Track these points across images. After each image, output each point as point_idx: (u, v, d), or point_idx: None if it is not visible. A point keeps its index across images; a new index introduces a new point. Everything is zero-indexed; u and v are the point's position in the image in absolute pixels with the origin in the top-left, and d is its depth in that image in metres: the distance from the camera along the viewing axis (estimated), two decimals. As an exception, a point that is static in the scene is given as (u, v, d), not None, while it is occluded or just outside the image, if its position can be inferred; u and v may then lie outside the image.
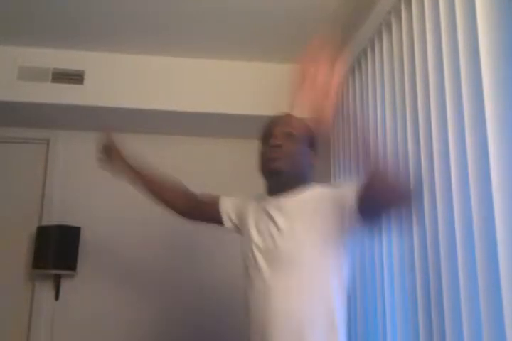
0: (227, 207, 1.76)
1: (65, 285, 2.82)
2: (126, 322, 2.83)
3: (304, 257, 1.44)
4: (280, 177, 1.54)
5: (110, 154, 1.93)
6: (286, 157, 1.52)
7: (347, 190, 1.42)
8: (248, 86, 2.82)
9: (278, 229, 1.49)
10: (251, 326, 1.51)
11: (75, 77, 2.72)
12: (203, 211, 1.82)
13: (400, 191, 1.25)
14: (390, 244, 1.85)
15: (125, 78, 2.77)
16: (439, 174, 1.51)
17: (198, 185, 2.87)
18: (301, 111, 1.30)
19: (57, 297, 2.80)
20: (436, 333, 1.47)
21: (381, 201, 1.29)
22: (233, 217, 1.74)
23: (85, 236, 2.84)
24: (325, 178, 2.75)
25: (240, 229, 1.70)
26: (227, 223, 1.75)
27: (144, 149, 3.09)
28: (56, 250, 2.72)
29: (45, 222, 2.86)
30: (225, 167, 3.07)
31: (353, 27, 2.34)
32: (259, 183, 1.65)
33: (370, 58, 2.16)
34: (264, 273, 1.48)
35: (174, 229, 2.98)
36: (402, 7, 1.83)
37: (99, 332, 2.79)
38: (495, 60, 1.29)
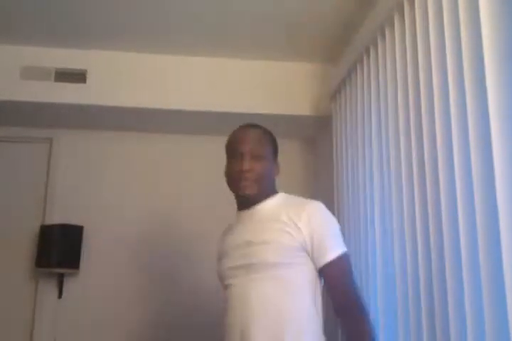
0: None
1: (68, 283, 2.83)
2: (129, 321, 2.83)
3: (278, 260, 1.50)
4: (250, 198, 1.61)
5: None
6: (256, 180, 1.58)
7: (321, 247, 1.51)
8: (256, 84, 2.82)
9: (251, 237, 1.55)
10: (228, 329, 1.54)
11: (78, 76, 2.72)
12: None
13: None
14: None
15: (128, 77, 2.77)
16: (443, 173, 1.51)
17: (209, 185, 2.91)
18: None
19: (60, 295, 2.81)
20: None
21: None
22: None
23: (88, 235, 2.84)
24: (328, 191, 2.75)
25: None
26: None
27: (146, 148, 3.11)
28: (59, 249, 2.72)
29: (48, 221, 2.87)
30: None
31: (357, 24, 2.34)
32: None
33: (372, 56, 2.16)
34: (241, 279, 1.53)
35: (176, 229, 2.99)
36: (405, 4, 1.83)
37: (101, 331, 2.79)
38: (498, 57, 1.28)
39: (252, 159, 1.58)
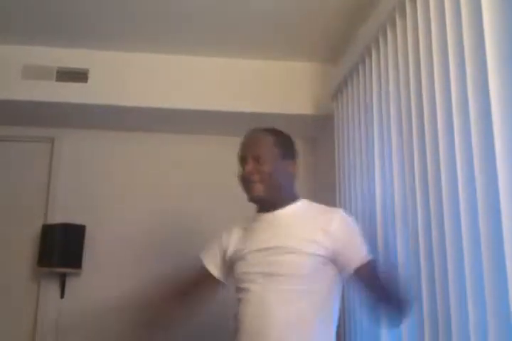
0: (211, 259, 1.72)
1: (70, 283, 2.83)
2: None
3: (301, 267, 1.49)
4: (263, 201, 1.61)
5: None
6: (262, 182, 1.57)
7: (351, 248, 1.53)
8: (258, 84, 2.82)
9: (274, 243, 1.53)
10: (241, 336, 1.52)
11: (80, 76, 2.72)
12: (201, 285, 1.75)
13: (399, 306, 1.46)
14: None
15: (129, 76, 2.77)
16: (445, 172, 1.51)
17: (212, 184, 2.91)
18: None
19: (62, 295, 2.81)
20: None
21: (380, 311, 1.49)
22: (218, 260, 1.70)
23: (90, 234, 2.84)
24: (331, 187, 2.75)
25: (229, 264, 1.67)
26: (214, 272, 1.70)
27: (148, 148, 3.11)
28: (61, 248, 2.73)
29: (50, 221, 2.87)
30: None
31: (358, 23, 2.34)
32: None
33: (374, 55, 2.15)
34: (261, 285, 1.51)
35: (179, 229, 2.98)
36: (407, 3, 1.82)
37: (104, 330, 2.79)
38: (501, 56, 1.28)
39: (255, 162, 1.58)
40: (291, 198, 1.63)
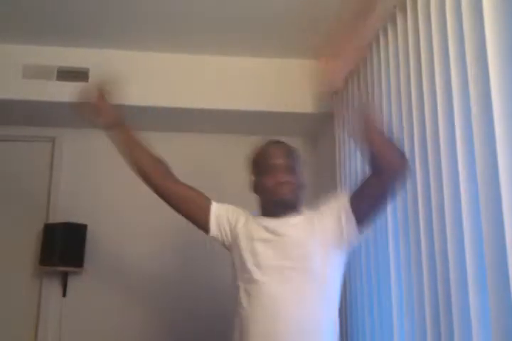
0: (220, 215, 1.73)
1: (72, 282, 2.84)
2: (133, 319, 2.84)
3: (312, 268, 1.54)
4: (288, 205, 1.67)
5: (100, 105, 1.86)
6: (293, 191, 1.66)
7: (337, 199, 1.67)
8: (258, 82, 2.82)
9: (284, 244, 1.59)
10: (252, 326, 1.53)
11: (80, 75, 2.72)
12: (183, 199, 1.75)
13: (398, 151, 1.53)
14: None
15: (130, 76, 2.76)
16: (446, 171, 1.51)
17: (214, 182, 2.91)
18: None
19: (64, 294, 2.82)
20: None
21: (382, 162, 1.49)
22: (225, 227, 1.71)
23: (92, 233, 2.85)
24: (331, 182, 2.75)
25: (230, 241, 1.70)
26: (213, 231, 1.71)
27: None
28: (63, 247, 2.73)
29: (51, 220, 2.88)
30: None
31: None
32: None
33: (374, 52, 2.16)
34: (275, 278, 1.54)
35: (180, 227, 2.98)
36: (408, 1, 1.83)
37: (106, 329, 2.80)
38: (502, 52, 1.28)
39: (287, 172, 1.65)
40: (299, 208, 1.70)
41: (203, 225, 1.72)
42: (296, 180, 1.67)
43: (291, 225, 1.63)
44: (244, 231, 1.66)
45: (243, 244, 1.64)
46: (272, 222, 1.65)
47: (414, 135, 1.73)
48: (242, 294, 1.58)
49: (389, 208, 1.84)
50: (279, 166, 1.66)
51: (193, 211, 1.73)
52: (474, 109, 1.36)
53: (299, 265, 1.54)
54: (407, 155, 1.65)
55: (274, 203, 1.66)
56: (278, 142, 1.75)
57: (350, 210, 1.57)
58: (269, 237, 1.61)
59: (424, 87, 1.66)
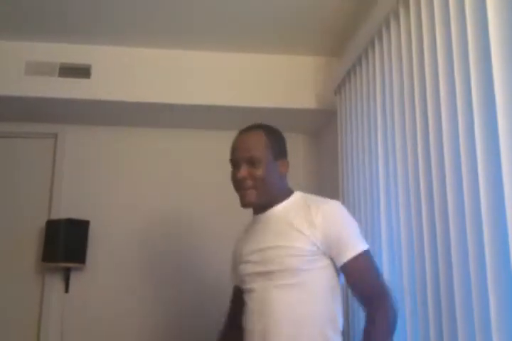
0: (234, 274, 1.73)
1: (75, 278, 2.85)
2: (135, 315, 2.85)
3: (296, 266, 1.48)
4: (256, 205, 1.59)
5: None
6: (256, 187, 1.54)
7: (338, 245, 1.49)
8: (260, 78, 2.81)
9: (266, 242, 1.54)
10: (247, 334, 1.54)
11: (82, 71, 2.72)
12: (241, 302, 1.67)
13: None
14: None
15: (132, 72, 2.76)
16: (449, 165, 1.51)
17: (217, 180, 2.90)
18: None
19: (66, 290, 2.83)
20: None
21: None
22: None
23: (94, 229, 2.86)
24: (334, 181, 2.74)
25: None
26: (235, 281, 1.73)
27: (151, 143, 3.11)
28: (66, 243, 2.74)
29: (54, 216, 2.88)
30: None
31: (362, 17, 2.33)
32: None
33: (377, 48, 2.14)
34: (262, 284, 1.52)
35: (184, 224, 2.99)
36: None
37: (108, 325, 2.81)
38: (506, 46, 1.27)
39: (248, 165, 1.55)
40: (284, 195, 1.61)
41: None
42: (259, 173, 1.53)
43: (271, 223, 1.56)
44: (239, 250, 1.67)
45: (239, 260, 1.65)
46: (258, 221, 1.62)
47: (417, 132, 1.72)
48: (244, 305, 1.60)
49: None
50: (237, 160, 1.57)
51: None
52: (477, 104, 1.36)
53: (277, 265, 1.50)
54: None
55: (243, 207, 1.60)
56: (243, 130, 1.63)
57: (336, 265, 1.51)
58: (251, 248, 1.59)
59: (427, 83, 1.65)
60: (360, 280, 1.50)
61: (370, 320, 1.45)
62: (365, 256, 1.49)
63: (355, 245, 1.49)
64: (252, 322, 1.53)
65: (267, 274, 1.51)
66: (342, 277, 1.55)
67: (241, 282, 1.63)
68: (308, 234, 1.47)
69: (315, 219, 1.48)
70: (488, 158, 1.30)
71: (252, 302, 1.55)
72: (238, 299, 1.67)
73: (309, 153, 3.15)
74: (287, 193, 1.62)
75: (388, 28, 2.03)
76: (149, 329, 2.85)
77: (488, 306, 1.25)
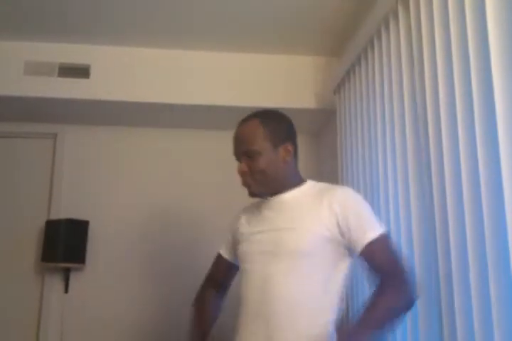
0: (224, 245, 1.75)
1: (74, 278, 2.85)
2: (135, 315, 2.85)
3: (300, 244, 1.45)
4: (262, 195, 1.59)
5: None
6: (258, 180, 1.53)
7: (356, 230, 1.44)
8: (260, 78, 2.81)
9: (278, 224, 1.51)
10: (244, 315, 1.52)
11: (82, 71, 2.72)
12: (229, 276, 1.76)
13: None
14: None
15: (132, 72, 2.76)
16: (448, 164, 1.51)
17: (217, 179, 2.92)
18: None
19: (66, 290, 2.82)
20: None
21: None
22: (230, 245, 1.72)
23: (94, 229, 2.85)
24: (333, 175, 2.75)
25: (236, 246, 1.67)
26: (225, 255, 1.75)
27: (151, 143, 3.11)
28: (65, 243, 2.74)
29: (53, 216, 2.88)
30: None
31: (361, 16, 2.33)
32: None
33: (376, 48, 2.15)
34: (264, 265, 1.49)
35: (183, 224, 2.99)
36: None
37: (108, 325, 2.81)
38: (505, 45, 1.27)
39: (247, 158, 1.54)
40: (295, 182, 1.58)
41: (231, 265, 1.72)
42: (259, 165, 1.51)
43: (284, 207, 1.54)
44: (241, 229, 1.66)
45: (240, 237, 1.63)
46: (263, 208, 1.60)
47: (417, 131, 1.72)
48: (240, 283, 1.59)
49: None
50: (238, 154, 1.57)
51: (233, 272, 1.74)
52: (477, 103, 1.36)
53: (284, 247, 1.48)
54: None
55: (250, 196, 1.60)
56: (240, 122, 1.62)
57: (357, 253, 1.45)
58: (258, 228, 1.57)
59: (426, 83, 1.66)
60: (380, 263, 1.43)
61: (379, 292, 1.38)
62: (385, 238, 1.45)
63: (375, 228, 1.45)
64: (251, 303, 1.50)
65: (270, 253, 1.48)
66: (350, 263, 1.50)
67: (241, 260, 1.59)
68: (325, 219, 1.45)
69: (331, 205, 1.46)
70: (488, 154, 1.30)
71: (251, 283, 1.51)
72: (222, 269, 1.74)
73: (309, 152, 3.15)
74: (298, 181, 1.59)
75: (387, 27, 2.03)
76: (149, 329, 2.84)
77: (489, 307, 1.25)
